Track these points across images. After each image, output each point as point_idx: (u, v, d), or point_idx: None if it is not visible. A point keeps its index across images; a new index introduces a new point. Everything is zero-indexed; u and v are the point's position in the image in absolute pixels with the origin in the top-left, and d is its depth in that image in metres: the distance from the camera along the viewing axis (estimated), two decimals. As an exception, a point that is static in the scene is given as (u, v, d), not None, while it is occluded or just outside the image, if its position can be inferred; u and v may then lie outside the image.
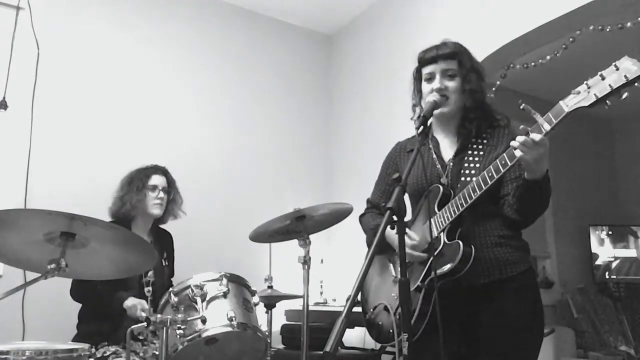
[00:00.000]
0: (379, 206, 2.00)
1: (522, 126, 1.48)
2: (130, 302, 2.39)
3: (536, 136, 1.44)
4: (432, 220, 1.70)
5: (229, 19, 4.17)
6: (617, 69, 1.34)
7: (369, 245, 1.98)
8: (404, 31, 3.85)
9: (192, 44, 3.95)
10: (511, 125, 1.82)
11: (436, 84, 1.77)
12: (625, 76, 1.32)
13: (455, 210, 1.64)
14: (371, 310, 1.87)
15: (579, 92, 1.40)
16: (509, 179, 1.69)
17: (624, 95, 1.35)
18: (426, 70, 1.82)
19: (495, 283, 1.67)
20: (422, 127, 1.59)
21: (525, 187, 1.58)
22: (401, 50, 3.80)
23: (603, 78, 1.36)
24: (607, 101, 1.37)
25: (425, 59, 1.83)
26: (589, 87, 1.38)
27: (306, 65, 4.52)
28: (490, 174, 1.57)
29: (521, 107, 1.46)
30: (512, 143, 1.48)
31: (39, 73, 3.27)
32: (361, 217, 2.06)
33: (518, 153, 1.48)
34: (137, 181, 2.68)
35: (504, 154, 1.55)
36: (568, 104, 1.41)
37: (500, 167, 1.55)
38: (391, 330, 1.73)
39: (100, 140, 3.45)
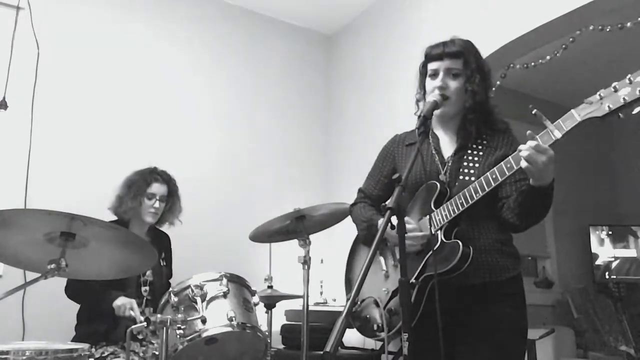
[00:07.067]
0: (371, 196, 1.98)
1: (529, 132, 1.46)
2: (119, 301, 2.36)
3: (543, 144, 1.43)
4: (430, 216, 1.69)
5: (229, 19, 4.16)
6: (631, 83, 1.33)
7: (361, 237, 1.97)
8: (404, 31, 3.85)
9: (191, 44, 3.95)
10: (510, 130, 1.81)
11: (438, 81, 1.75)
12: (639, 91, 1.31)
13: (455, 209, 1.63)
14: (359, 302, 1.86)
15: (591, 102, 1.39)
16: (509, 181, 1.67)
17: (637, 110, 1.35)
18: (431, 67, 1.80)
19: (485, 285, 1.67)
20: (422, 127, 1.59)
21: (528, 193, 1.56)
22: (401, 50, 3.81)
23: (616, 90, 1.35)
24: (620, 113, 1.36)
25: (431, 55, 1.80)
26: (601, 98, 1.37)
27: (306, 65, 4.52)
28: (494, 176, 1.55)
29: (532, 112, 1.45)
30: (521, 147, 1.46)
31: (39, 73, 3.27)
32: (352, 206, 2.02)
33: (524, 164, 1.45)
34: (136, 186, 2.66)
35: (510, 158, 1.53)
36: (580, 113, 1.40)
37: (506, 170, 1.53)
38: (378, 325, 1.73)
39: (100, 140, 3.45)
